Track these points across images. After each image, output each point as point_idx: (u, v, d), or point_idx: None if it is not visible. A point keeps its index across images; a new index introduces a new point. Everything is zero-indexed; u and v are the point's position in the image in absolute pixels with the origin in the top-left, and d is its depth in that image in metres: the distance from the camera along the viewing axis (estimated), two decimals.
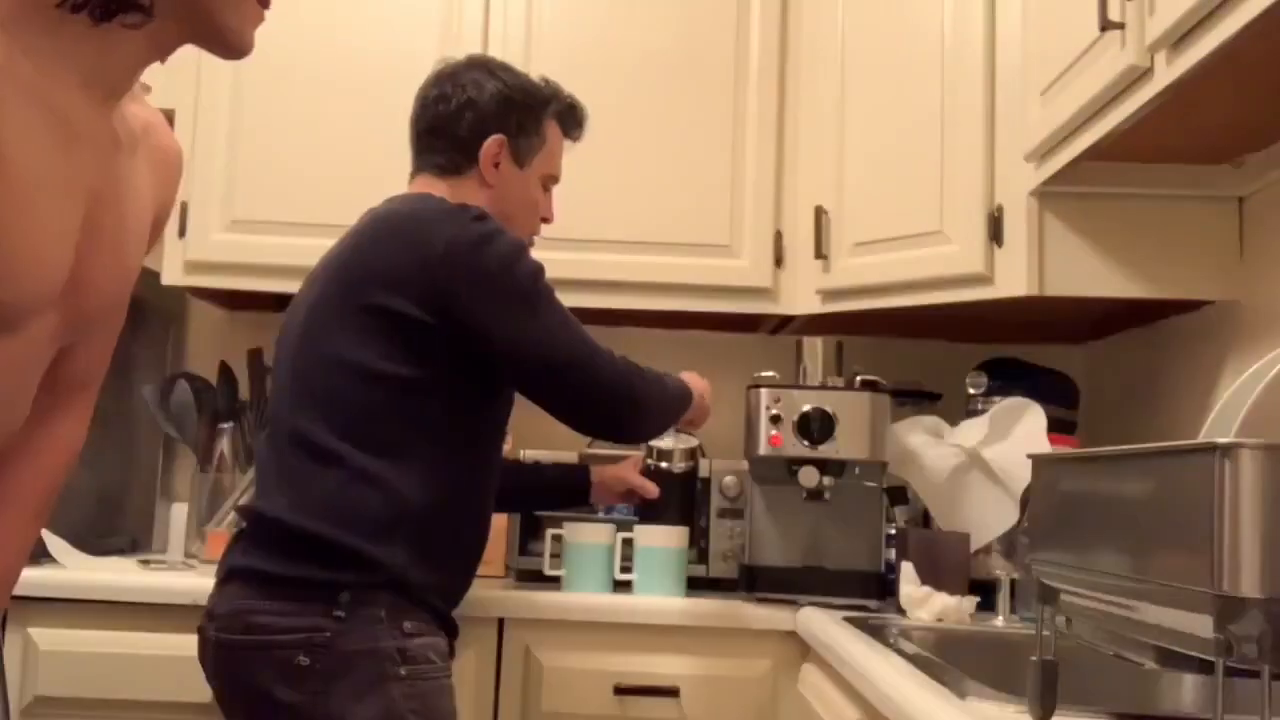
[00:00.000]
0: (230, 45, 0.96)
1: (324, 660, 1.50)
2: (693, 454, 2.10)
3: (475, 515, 1.73)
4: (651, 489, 2.04)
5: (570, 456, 2.20)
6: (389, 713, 1.50)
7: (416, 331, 1.61)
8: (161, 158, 1.07)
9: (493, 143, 1.79)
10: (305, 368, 1.66)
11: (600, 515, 2.19)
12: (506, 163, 1.81)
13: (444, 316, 1.61)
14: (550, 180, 1.89)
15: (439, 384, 1.63)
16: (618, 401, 1.72)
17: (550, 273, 2.06)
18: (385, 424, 1.61)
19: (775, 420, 2.02)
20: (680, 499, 2.18)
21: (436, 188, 1.78)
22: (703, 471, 2.20)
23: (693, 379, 1.93)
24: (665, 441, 2.05)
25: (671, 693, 1.93)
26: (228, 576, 1.60)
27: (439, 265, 1.61)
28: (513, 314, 1.64)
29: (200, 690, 1.60)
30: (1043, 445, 1.96)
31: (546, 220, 1.91)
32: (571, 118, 1.90)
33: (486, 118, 1.79)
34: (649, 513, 2.10)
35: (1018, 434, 2.02)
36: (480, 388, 1.68)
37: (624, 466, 2.07)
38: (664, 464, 2.06)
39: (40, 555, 2.01)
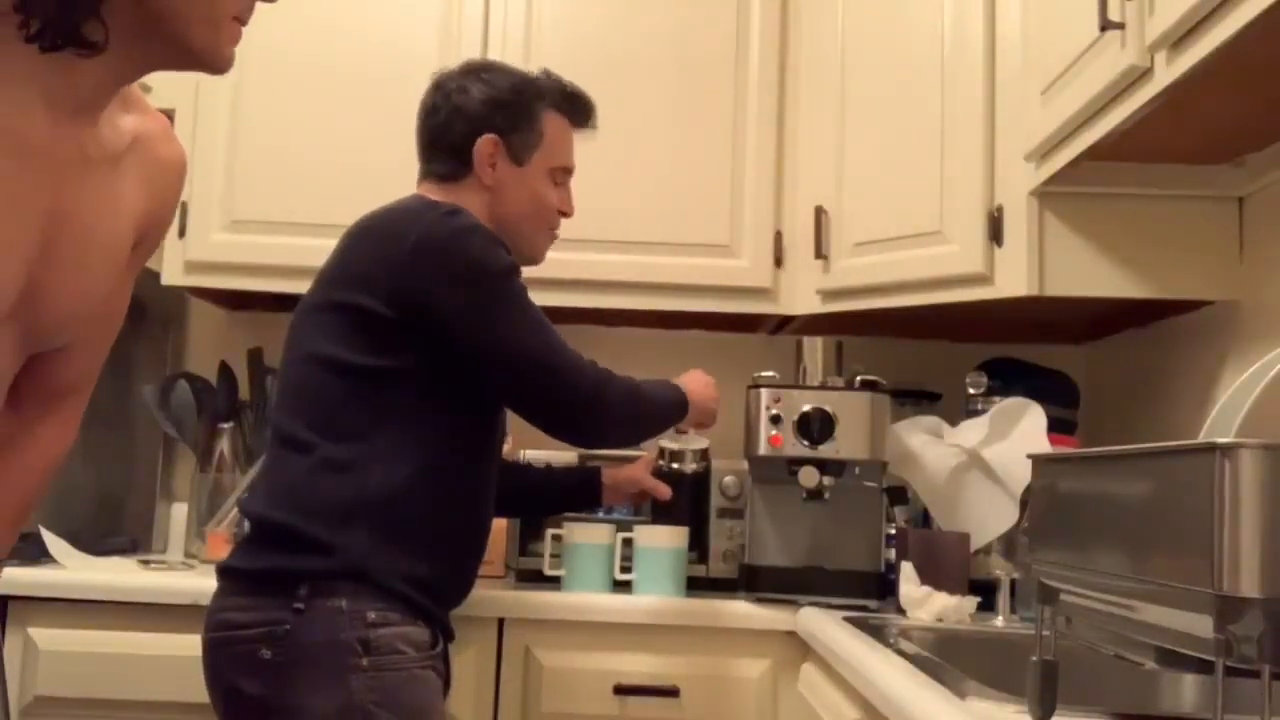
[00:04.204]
0: (208, 65, 0.95)
1: (285, 653, 1.51)
2: (704, 455, 2.09)
3: (459, 507, 1.68)
4: (665, 490, 2.02)
5: (570, 457, 2.19)
6: (349, 705, 1.49)
7: (383, 326, 1.61)
8: (156, 168, 1.06)
9: (485, 142, 1.77)
10: (288, 368, 1.70)
11: (600, 515, 2.19)
12: (503, 161, 1.79)
13: (410, 313, 1.61)
14: (560, 173, 1.85)
15: (407, 375, 1.62)
16: (580, 406, 1.69)
17: (550, 273, 2.07)
18: (350, 412, 1.61)
19: (775, 420, 2.02)
20: (691, 500, 2.18)
21: (435, 194, 1.77)
22: None
23: (695, 381, 1.90)
24: (676, 443, 2.04)
25: (671, 693, 1.93)
26: (216, 577, 1.63)
27: (407, 263, 1.61)
28: (478, 312, 1.63)
29: (200, 690, 1.60)
30: (1043, 445, 1.96)
31: (565, 214, 1.86)
32: (573, 106, 1.86)
33: (474, 121, 1.78)
34: (661, 514, 2.10)
35: (1018, 434, 2.01)
36: (453, 381, 1.65)
37: (636, 467, 2.04)
38: (675, 465, 2.05)
39: (40, 555, 2.02)
